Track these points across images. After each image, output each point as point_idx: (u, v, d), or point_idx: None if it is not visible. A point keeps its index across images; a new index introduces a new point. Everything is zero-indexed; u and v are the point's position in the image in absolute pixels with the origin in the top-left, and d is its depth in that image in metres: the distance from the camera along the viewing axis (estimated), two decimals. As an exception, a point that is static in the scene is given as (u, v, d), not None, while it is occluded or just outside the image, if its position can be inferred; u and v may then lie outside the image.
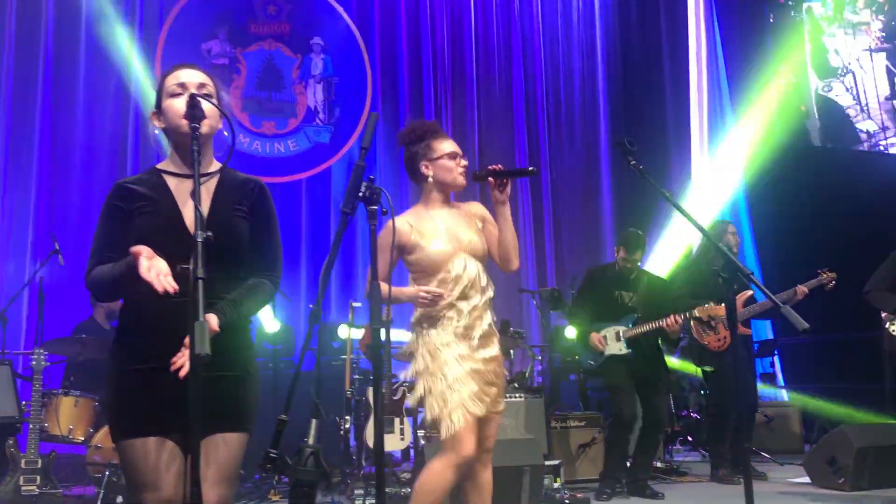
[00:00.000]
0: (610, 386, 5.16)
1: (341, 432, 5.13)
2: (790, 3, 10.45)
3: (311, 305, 2.22)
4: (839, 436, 5.09)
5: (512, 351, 6.27)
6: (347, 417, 5.11)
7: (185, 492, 1.87)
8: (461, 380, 2.81)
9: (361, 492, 4.66)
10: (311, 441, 1.88)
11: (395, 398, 5.14)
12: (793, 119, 10.16)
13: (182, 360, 1.87)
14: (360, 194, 2.11)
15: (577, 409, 6.22)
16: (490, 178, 2.95)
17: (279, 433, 1.85)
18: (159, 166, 2.18)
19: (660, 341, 5.24)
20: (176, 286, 1.84)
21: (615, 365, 5.04)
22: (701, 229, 2.61)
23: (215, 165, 2.20)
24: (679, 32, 10.13)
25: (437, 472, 2.81)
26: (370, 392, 5.16)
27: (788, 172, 9.78)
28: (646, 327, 4.96)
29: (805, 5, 10.49)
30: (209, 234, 1.72)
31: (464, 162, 3.05)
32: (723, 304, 4.94)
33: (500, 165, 2.97)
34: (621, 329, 5.05)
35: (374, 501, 4.42)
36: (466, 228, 2.99)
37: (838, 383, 8.97)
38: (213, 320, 1.95)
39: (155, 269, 1.82)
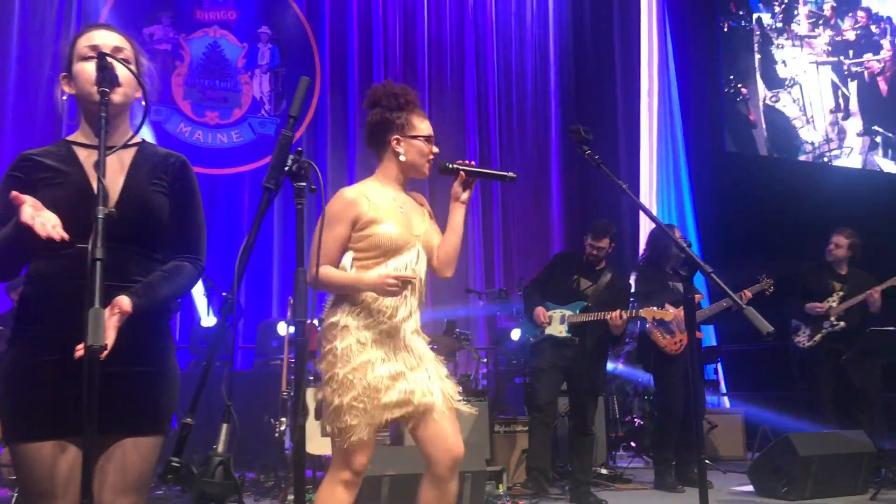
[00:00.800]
0: (531, 368, 5.07)
1: (276, 434, 4.90)
2: (741, 13, 10.54)
3: (225, 293, 1.98)
4: (784, 444, 5.04)
5: (457, 353, 6.13)
6: (283, 419, 4.89)
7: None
8: (371, 386, 2.46)
9: (292, 498, 4.43)
10: (220, 449, 1.67)
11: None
12: (740, 128, 10.24)
13: (81, 352, 1.65)
14: (287, 168, 1.89)
15: (523, 414, 6.07)
16: (461, 173, 2.66)
17: (183, 439, 1.63)
18: (69, 137, 1.96)
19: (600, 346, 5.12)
20: (65, 235, 1.62)
21: (547, 348, 4.92)
22: (657, 222, 2.49)
23: (133, 138, 1.97)
24: (632, 37, 10.13)
25: (327, 489, 2.53)
26: (309, 393, 4.95)
27: (735, 180, 9.87)
28: (591, 316, 4.84)
29: (755, 16, 10.58)
30: (112, 210, 1.52)
31: (435, 149, 2.70)
32: (668, 308, 4.87)
33: (473, 162, 2.69)
34: (568, 313, 4.93)
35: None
36: (421, 219, 2.68)
37: (780, 391, 9.05)
38: (124, 302, 1.74)
39: (39, 218, 1.60)
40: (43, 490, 1.71)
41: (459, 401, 2.70)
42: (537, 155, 9.72)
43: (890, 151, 11.09)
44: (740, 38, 10.47)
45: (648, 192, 9.94)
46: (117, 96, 1.80)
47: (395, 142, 2.63)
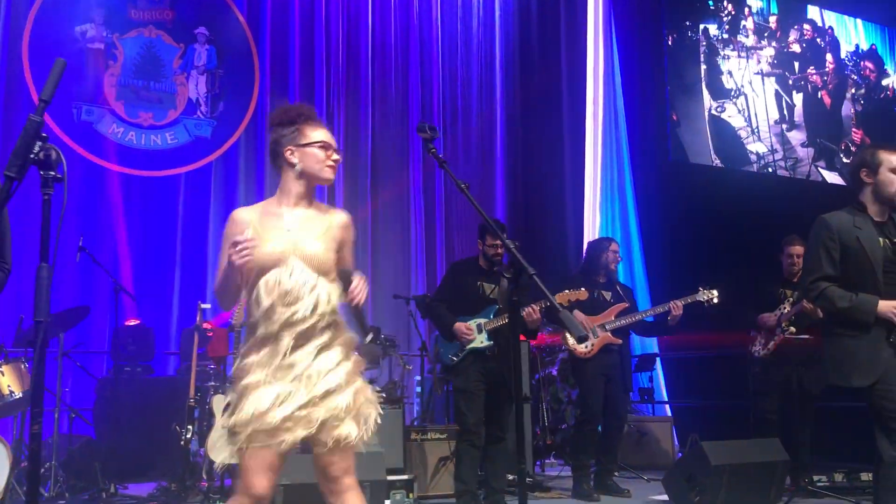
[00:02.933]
0: (457, 389, 4.90)
1: (181, 442, 4.80)
2: (687, 23, 10.62)
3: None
4: (697, 453, 5.02)
5: (381, 360, 6.07)
6: (190, 427, 4.79)
7: None
8: (259, 410, 2.43)
9: (196, 505, 4.36)
10: None
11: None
12: (686, 137, 10.31)
13: None
14: (33, 156, 1.77)
15: (442, 421, 6.04)
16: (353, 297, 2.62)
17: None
18: None
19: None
20: None
21: (470, 364, 4.78)
22: (489, 221, 2.47)
23: None
24: (578, 46, 10.15)
25: None
26: (215, 400, 4.86)
27: (680, 190, 9.92)
28: (506, 318, 4.72)
29: (702, 26, 10.67)
30: None
31: (335, 156, 2.68)
32: (583, 289, 4.82)
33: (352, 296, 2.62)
34: (482, 321, 4.82)
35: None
36: (313, 235, 2.63)
37: (719, 399, 9.11)
38: None
39: None
40: None
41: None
42: (482, 161, 9.70)
43: (833, 163, 11.25)
44: (687, 49, 10.55)
45: (592, 201, 9.94)
46: None
47: (288, 153, 2.65)
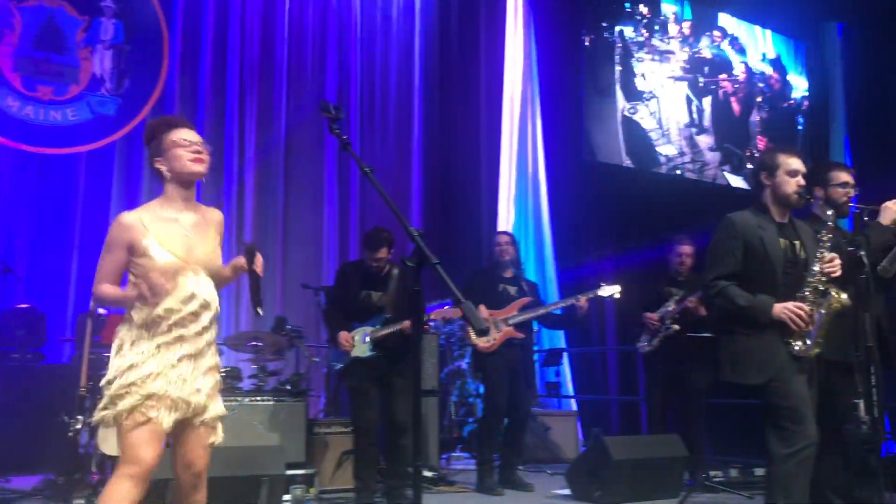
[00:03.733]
0: (350, 388, 4.90)
1: (70, 433, 4.57)
2: (604, 24, 10.76)
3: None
4: (599, 448, 5.11)
5: (286, 351, 5.93)
6: (80, 417, 4.56)
7: None
8: (144, 385, 2.58)
9: (83, 501, 4.15)
10: None
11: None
12: (599, 137, 10.45)
13: None
14: None
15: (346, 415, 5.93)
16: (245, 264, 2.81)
17: None
18: None
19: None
20: None
21: (359, 367, 4.79)
22: (399, 215, 2.42)
23: None
24: (497, 42, 10.15)
25: (113, 487, 2.52)
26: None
27: (592, 187, 10.07)
28: (391, 328, 4.74)
29: (618, 28, 10.83)
30: None
31: (198, 148, 2.74)
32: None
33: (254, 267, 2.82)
34: (369, 329, 4.81)
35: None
36: (204, 238, 2.80)
37: (623, 394, 9.31)
38: None
39: None
40: None
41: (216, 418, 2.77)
42: (399, 152, 9.60)
43: (739, 168, 11.61)
44: (603, 50, 10.69)
45: (507, 195, 10.00)
46: None
47: (157, 164, 2.76)
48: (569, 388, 9.48)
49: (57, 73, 7.62)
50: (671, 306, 5.68)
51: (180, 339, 2.64)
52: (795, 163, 3.59)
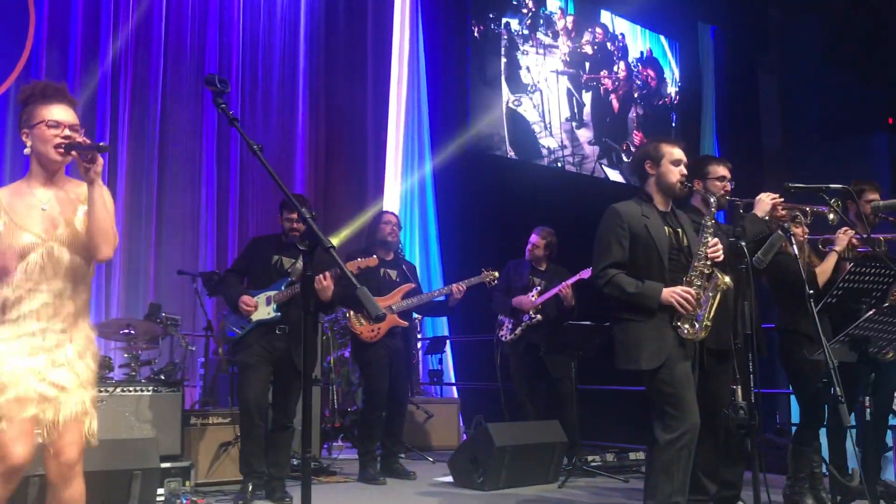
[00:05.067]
0: (239, 363, 4.71)
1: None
2: (491, 15, 10.84)
3: None
4: (481, 434, 5.15)
5: (161, 339, 5.68)
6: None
7: None
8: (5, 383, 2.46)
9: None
10: None
11: None
12: (484, 128, 10.54)
13: None
14: None
15: (227, 405, 5.75)
16: (73, 153, 2.58)
17: None
18: None
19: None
20: None
21: (255, 340, 4.61)
22: (287, 193, 2.37)
23: None
24: (384, 28, 10.07)
25: None
26: None
27: (476, 177, 10.16)
28: (296, 288, 4.59)
29: (504, 20, 10.94)
30: None
31: (67, 132, 2.61)
32: (374, 256, 4.80)
33: (84, 138, 2.60)
34: (272, 293, 4.65)
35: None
36: (68, 214, 2.66)
37: (506, 382, 9.44)
38: None
39: None
40: None
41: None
42: (282, 133, 9.37)
43: (616, 162, 11.98)
44: (490, 41, 10.77)
45: (394, 182, 9.95)
46: None
47: (24, 136, 2.67)
48: (451, 375, 9.55)
49: None
50: (534, 296, 5.82)
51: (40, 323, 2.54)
52: (678, 153, 3.71)
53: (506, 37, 10.95)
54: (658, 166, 3.71)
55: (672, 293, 3.48)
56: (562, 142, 11.39)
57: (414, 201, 10.07)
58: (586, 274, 5.56)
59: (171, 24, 8.55)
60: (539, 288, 5.87)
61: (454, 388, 9.41)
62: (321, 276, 4.42)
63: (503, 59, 10.91)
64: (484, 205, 10.01)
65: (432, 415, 7.17)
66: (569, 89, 11.54)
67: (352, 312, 5.35)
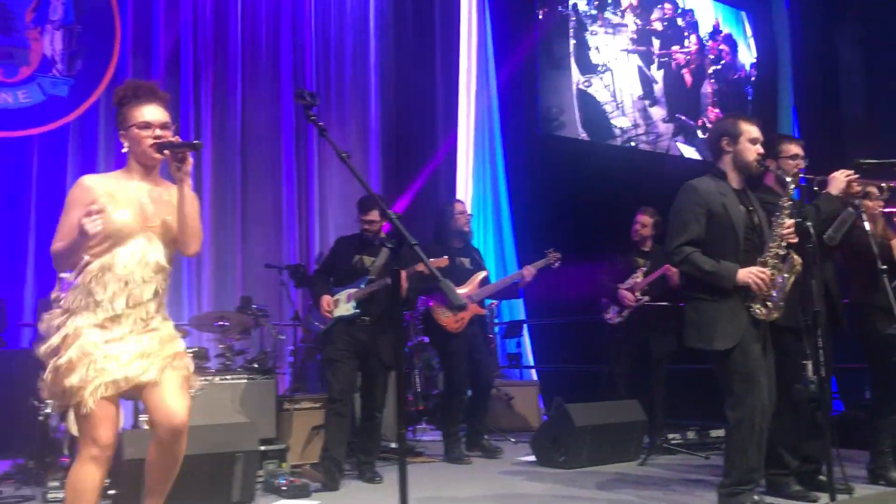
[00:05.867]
0: (326, 359, 4.94)
1: (41, 417, 4.59)
2: (558, -3, 10.85)
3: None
4: (562, 415, 5.27)
5: (252, 330, 5.98)
6: (50, 401, 4.58)
7: None
8: (97, 369, 2.61)
9: (57, 483, 4.18)
10: None
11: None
12: (554, 110, 10.58)
13: None
14: None
15: (317, 391, 6.02)
16: (166, 152, 2.74)
17: None
18: None
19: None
20: None
21: (338, 334, 4.81)
22: (374, 195, 2.52)
23: None
24: (452, 16, 10.19)
25: (76, 471, 2.62)
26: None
27: (548, 160, 10.21)
28: (375, 286, 4.79)
29: (571, 1, 10.92)
30: None
31: (159, 132, 2.77)
32: (445, 257, 4.94)
33: (176, 137, 2.77)
34: (352, 290, 4.86)
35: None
36: (161, 210, 2.82)
37: (581, 364, 9.52)
38: None
39: None
40: None
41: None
42: (356, 128, 9.62)
43: (691, 139, 11.85)
44: (557, 23, 10.78)
45: (465, 170, 10.09)
46: None
47: (121, 136, 2.83)
48: (528, 358, 9.68)
49: (6, 55, 7.47)
50: (639, 277, 5.81)
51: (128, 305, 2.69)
52: (756, 131, 3.73)
53: (573, 18, 10.94)
54: (735, 144, 3.73)
55: (749, 273, 3.51)
56: (635, 121, 11.33)
57: (486, 187, 10.20)
58: None
59: (246, 27, 8.87)
60: (644, 269, 5.87)
61: (532, 370, 9.55)
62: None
63: (572, 41, 10.90)
64: (556, 187, 10.04)
65: (513, 397, 7.32)
66: (640, 67, 11.45)
67: (435, 305, 5.52)
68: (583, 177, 10.11)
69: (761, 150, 3.74)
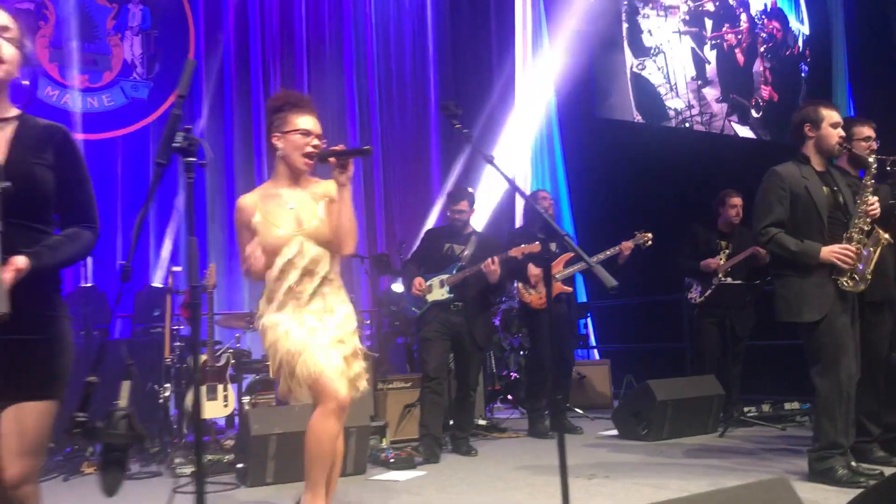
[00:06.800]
0: (421, 339, 5.19)
1: (160, 401, 4.94)
2: (611, -18, 10.95)
3: (121, 262, 2.09)
4: (644, 390, 5.49)
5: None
6: (167, 385, 4.93)
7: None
8: (304, 346, 2.84)
9: (182, 460, 4.52)
10: (122, 403, 1.78)
11: (218, 364, 5.01)
12: (609, 94, 10.72)
13: None
14: (177, 145, 1.98)
15: (405, 372, 6.33)
16: (330, 159, 2.89)
17: (88, 396, 1.73)
18: None
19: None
20: None
21: (433, 317, 5.06)
22: (522, 194, 2.73)
23: (13, 112, 2.01)
24: (506, 5, 10.39)
25: (317, 423, 2.83)
26: (192, 359, 5.01)
27: (604, 143, 10.35)
28: (467, 272, 5.03)
29: (623, -14, 11.02)
30: (8, 184, 1.60)
31: (316, 141, 2.97)
32: (536, 242, 5.14)
33: (341, 146, 2.91)
34: (444, 276, 5.11)
35: (194, 469, 4.32)
36: (311, 212, 2.98)
37: (644, 343, 9.69)
38: (19, 261, 1.81)
39: None
40: None
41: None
42: (416, 119, 9.89)
43: (745, 118, 11.89)
44: (609, 8, 10.89)
45: (525, 159, 10.29)
46: (1, 72, 1.85)
47: (275, 139, 2.99)
48: (591, 338, 9.90)
49: (91, 61, 7.87)
50: (722, 260, 5.98)
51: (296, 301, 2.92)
52: (837, 116, 3.94)
53: (625, 2, 11.04)
54: (818, 129, 3.93)
55: (831, 251, 3.72)
56: (688, 102, 11.41)
57: (544, 172, 10.40)
58: None
59: (310, 25, 9.17)
60: (727, 251, 6.02)
61: (595, 350, 9.77)
62: (489, 260, 4.88)
63: (624, 25, 11.02)
64: (612, 170, 10.17)
65: (584, 375, 7.55)
66: (692, 48, 11.52)
67: (520, 284, 5.78)
68: (638, 158, 10.23)
69: (842, 134, 3.93)
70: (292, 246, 2.92)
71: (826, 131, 3.92)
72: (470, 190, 5.37)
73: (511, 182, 2.70)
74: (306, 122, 2.98)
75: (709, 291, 5.96)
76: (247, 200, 3.00)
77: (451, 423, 5.34)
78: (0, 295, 1.42)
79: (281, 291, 2.91)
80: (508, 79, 10.28)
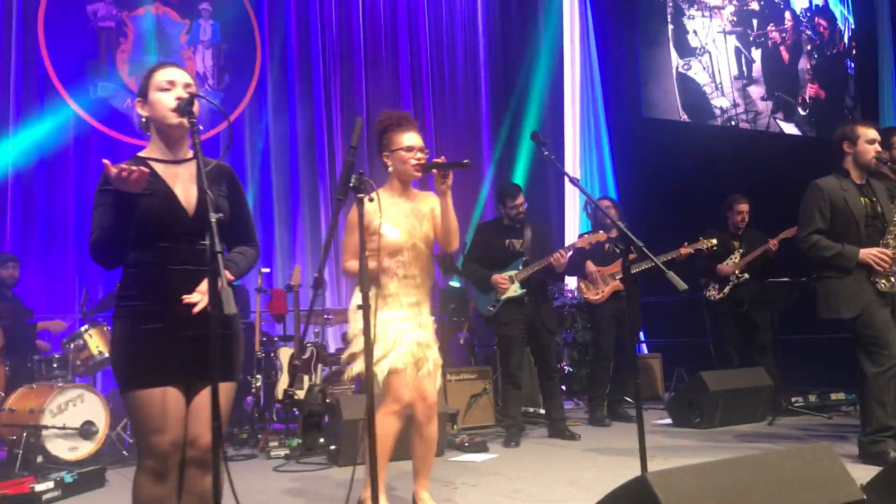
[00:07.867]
0: (501, 337, 5.52)
1: (252, 390, 5.41)
2: (655, -16, 11.22)
3: (316, 274, 2.51)
4: (697, 381, 5.83)
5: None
6: (258, 376, 5.39)
7: (185, 432, 2.22)
8: (394, 342, 3.18)
9: (276, 443, 4.96)
10: (318, 381, 2.21)
11: (304, 357, 5.45)
12: (656, 94, 10.99)
13: (201, 305, 2.22)
14: (351, 185, 2.45)
15: (467, 364, 6.74)
16: (434, 171, 3.20)
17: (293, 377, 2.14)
18: (142, 154, 2.44)
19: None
20: (146, 170, 2.16)
21: (511, 315, 5.39)
22: (605, 213, 3.10)
23: (190, 153, 2.45)
24: (554, 9, 10.72)
25: (379, 421, 3.11)
26: (281, 352, 5.47)
27: (651, 143, 10.61)
28: (535, 266, 5.35)
29: (668, -12, 11.27)
30: (220, 214, 2.03)
31: (419, 154, 3.31)
32: (601, 232, 5.53)
33: (443, 158, 3.22)
34: (513, 273, 5.41)
35: (287, 452, 4.76)
36: (421, 220, 3.33)
37: (691, 338, 9.95)
38: (229, 274, 2.21)
39: (120, 169, 2.09)
40: (155, 427, 2.22)
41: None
42: (468, 123, 10.26)
43: (791, 115, 12.06)
44: (654, 9, 11.16)
45: (572, 158, 10.62)
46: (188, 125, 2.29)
47: (384, 158, 3.37)
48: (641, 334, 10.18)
49: (166, 74, 8.36)
50: (736, 258, 6.34)
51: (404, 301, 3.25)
52: (873, 133, 4.31)
53: (670, 4, 11.30)
54: (855, 146, 4.31)
55: (868, 254, 4.12)
56: (734, 100, 11.63)
57: (593, 172, 10.71)
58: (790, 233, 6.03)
59: (367, 34, 9.61)
60: (740, 250, 6.39)
61: (644, 345, 10.06)
62: (559, 253, 5.24)
63: (670, 26, 11.27)
64: (660, 168, 10.42)
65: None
66: (737, 48, 11.73)
67: (582, 283, 6.15)
68: (685, 157, 10.47)
69: (879, 149, 4.29)
70: (405, 253, 3.28)
71: (862, 147, 4.29)
72: (516, 184, 5.69)
73: (594, 202, 3.06)
74: (409, 138, 3.32)
75: (727, 289, 6.34)
76: (368, 204, 3.35)
77: (542, 411, 5.67)
78: (226, 299, 1.83)
79: (388, 288, 3.24)
80: (558, 81, 10.61)
